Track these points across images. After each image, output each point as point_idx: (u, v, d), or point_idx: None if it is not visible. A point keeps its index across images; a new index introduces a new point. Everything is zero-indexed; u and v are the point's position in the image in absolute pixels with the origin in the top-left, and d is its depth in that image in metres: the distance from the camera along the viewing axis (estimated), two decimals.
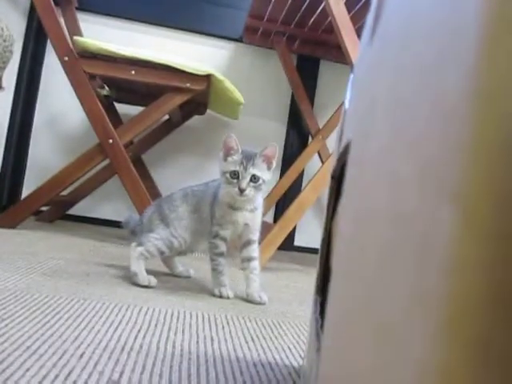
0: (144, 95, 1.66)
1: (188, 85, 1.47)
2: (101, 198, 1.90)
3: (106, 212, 1.92)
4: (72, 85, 1.48)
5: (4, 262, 0.91)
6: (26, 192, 1.79)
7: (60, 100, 1.89)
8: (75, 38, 1.50)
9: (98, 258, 1.12)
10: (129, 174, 1.48)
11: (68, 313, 0.63)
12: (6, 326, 0.54)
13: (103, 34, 1.86)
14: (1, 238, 1.21)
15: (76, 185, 1.69)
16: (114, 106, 1.82)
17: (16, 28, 1.78)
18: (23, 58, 1.87)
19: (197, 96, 1.52)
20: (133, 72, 1.46)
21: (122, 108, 1.83)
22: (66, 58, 1.46)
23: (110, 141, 1.47)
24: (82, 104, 1.48)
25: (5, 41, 0.95)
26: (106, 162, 1.54)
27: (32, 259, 0.97)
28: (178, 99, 1.50)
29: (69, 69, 1.47)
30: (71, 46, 1.47)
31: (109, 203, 1.92)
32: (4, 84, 1.04)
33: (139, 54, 1.46)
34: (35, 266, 0.91)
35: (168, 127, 1.89)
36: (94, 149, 1.49)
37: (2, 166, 1.88)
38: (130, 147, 1.76)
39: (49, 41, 1.57)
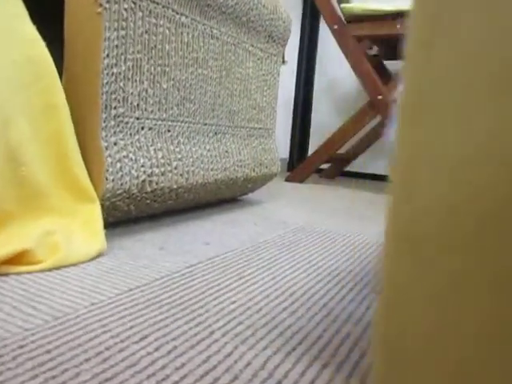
0: None
1: None
2: (375, 155, 2.05)
3: (381, 167, 2.07)
4: (342, 50, 1.60)
5: (295, 205, 1.21)
6: (311, 152, 1.96)
7: (334, 68, 2.13)
8: (342, 5, 1.60)
9: (370, 206, 1.32)
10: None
11: (341, 243, 0.82)
12: (297, 246, 0.77)
13: None
14: (293, 189, 1.57)
15: (352, 142, 1.89)
16: (383, 65, 1.86)
17: (293, 11, 2.00)
18: (302, 35, 2.16)
19: None
20: (398, 26, 1.47)
21: (392, 65, 1.88)
22: (336, 27, 1.59)
23: (380, 97, 1.54)
24: (352, 67, 1.60)
25: (284, 22, 1.14)
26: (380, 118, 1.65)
27: (316, 204, 1.26)
28: None
29: (338, 36, 1.60)
30: (340, 14, 1.59)
31: (383, 159, 2.07)
32: (286, 58, 1.22)
33: (403, 5, 1.45)
34: (319, 208, 1.19)
35: None
36: (365, 106, 1.60)
37: (292, 130, 2.24)
38: None
39: (321, 16, 1.73)
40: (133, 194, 0.72)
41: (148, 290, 0.52)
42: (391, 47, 1.73)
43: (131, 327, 0.42)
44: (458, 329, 0.18)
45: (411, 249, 0.20)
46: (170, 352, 0.38)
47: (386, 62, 1.87)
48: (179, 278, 0.57)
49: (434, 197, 0.18)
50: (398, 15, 1.47)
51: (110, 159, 0.68)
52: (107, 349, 0.38)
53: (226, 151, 0.97)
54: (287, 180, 1.76)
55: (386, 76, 1.80)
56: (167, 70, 0.78)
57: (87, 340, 0.39)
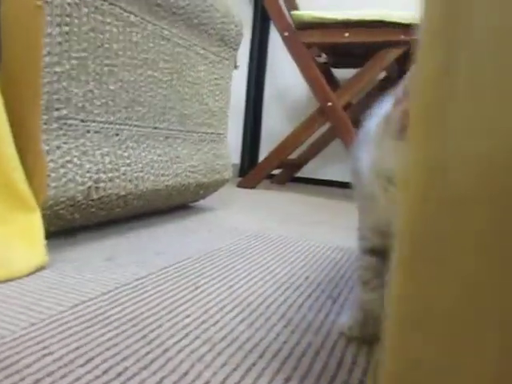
0: (360, 56, 1.61)
1: (402, 37, 1.43)
2: (325, 160, 2.06)
3: (331, 173, 2.07)
4: (292, 56, 1.60)
5: (248, 212, 1.21)
6: (262, 158, 1.92)
7: (284, 75, 2.12)
8: (292, 12, 1.60)
9: (322, 211, 1.35)
10: (349, 135, 1.52)
11: (296, 249, 0.81)
12: (252, 253, 0.76)
13: (318, 2, 1.87)
14: (245, 195, 1.55)
15: (303, 148, 1.88)
16: (331, 72, 1.87)
17: (243, 17, 1.94)
18: (252, 40, 2.13)
19: (414, 47, 1.45)
20: (346, 34, 1.49)
21: (339, 72, 1.89)
22: (286, 33, 1.59)
23: (329, 104, 1.54)
24: (302, 73, 1.60)
25: (236, 26, 1.11)
26: (330, 125, 1.66)
27: (269, 210, 1.26)
28: (393, 54, 1.47)
29: (289, 42, 1.59)
30: (290, 21, 1.59)
31: (333, 165, 2.07)
32: (238, 63, 1.18)
33: (351, 15, 1.47)
34: (272, 214, 1.19)
35: (387, 85, 1.82)
36: (314, 113, 1.60)
37: (243, 136, 2.20)
38: (349, 109, 1.76)
39: (272, 21, 1.73)
40: (78, 201, 0.68)
41: (94, 305, 0.48)
42: (339, 55, 1.77)
43: (76, 348, 0.38)
44: (478, 339, 0.17)
45: (426, 250, 0.18)
46: (120, 374, 0.35)
47: (333, 70, 1.91)
48: (129, 291, 0.53)
49: (451, 197, 0.17)
50: (346, 24, 1.50)
51: (52, 164, 0.63)
52: (49, 375, 0.34)
53: (177, 156, 0.94)
54: (239, 186, 1.75)
55: (334, 83, 1.84)
56: (115, 70, 0.74)
57: (25, 366, 0.35)
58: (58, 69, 0.62)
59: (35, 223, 0.60)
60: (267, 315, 0.50)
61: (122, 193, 0.77)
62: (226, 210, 1.19)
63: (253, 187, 1.73)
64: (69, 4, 0.63)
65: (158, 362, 0.37)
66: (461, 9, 0.17)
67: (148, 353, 0.39)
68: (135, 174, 0.80)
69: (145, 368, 0.36)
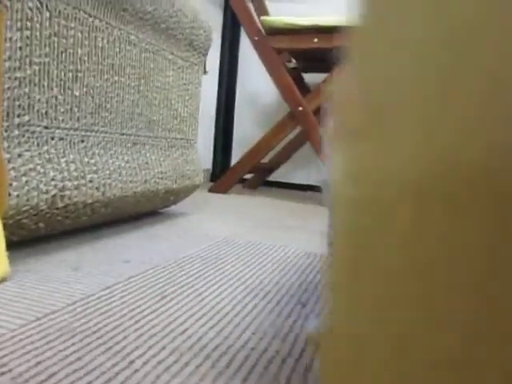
0: (329, 62, 1.62)
1: None
2: (296, 164, 2.08)
3: (301, 177, 2.11)
4: (263, 61, 1.62)
5: (220, 217, 1.20)
6: (233, 163, 1.96)
7: (255, 80, 2.15)
8: (262, 18, 1.62)
9: (294, 215, 1.33)
10: (319, 139, 1.55)
11: (266, 254, 0.82)
12: (222, 259, 0.75)
13: (288, 9, 1.93)
14: (217, 200, 1.55)
15: (274, 153, 1.92)
16: (301, 77, 1.89)
17: (213, 22, 1.98)
18: (223, 44, 2.15)
19: None
20: (315, 40, 1.52)
21: (309, 77, 1.92)
22: (256, 38, 1.61)
23: (300, 108, 1.57)
24: (272, 78, 1.63)
25: (205, 31, 1.11)
26: (301, 129, 1.68)
27: (241, 215, 1.26)
28: None
29: (259, 47, 1.61)
30: (260, 26, 1.61)
31: (303, 168, 2.10)
32: (207, 68, 1.18)
33: (320, 21, 1.50)
34: (244, 219, 1.19)
35: None
36: (285, 117, 1.63)
37: (215, 141, 2.21)
38: (319, 113, 1.77)
39: (242, 27, 1.74)
40: (42, 210, 0.66)
41: (59, 317, 0.47)
42: (309, 60, 1.79)
43: (37, 364, 0.37)
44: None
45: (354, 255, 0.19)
46: None
47: (303, 75, 1.93)
48: (95, 302, 0.52)
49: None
50: (315, 30, 1.52)
51: (13, 172, 0.61)
52: None
53: (146, 163, 0.93)
54: (211, 191, 1.74)
55: (305, 88, 1.86)
56: (80, 75, 0.72)
57: None
58: (19, 74, 0.61)
59: None
60: (236, 321, 0.50)
61: (89, 200, 0.75)
62: (197, 215, 1.18)
63: (225, 192, 1.73)
64: (30, 8, 0.61)
65: (123, 375, 0.37)
66: None
67: (113, 366, 0.38)
68: (102, 181, 0.78)
69: (109, 381, 0.36)
